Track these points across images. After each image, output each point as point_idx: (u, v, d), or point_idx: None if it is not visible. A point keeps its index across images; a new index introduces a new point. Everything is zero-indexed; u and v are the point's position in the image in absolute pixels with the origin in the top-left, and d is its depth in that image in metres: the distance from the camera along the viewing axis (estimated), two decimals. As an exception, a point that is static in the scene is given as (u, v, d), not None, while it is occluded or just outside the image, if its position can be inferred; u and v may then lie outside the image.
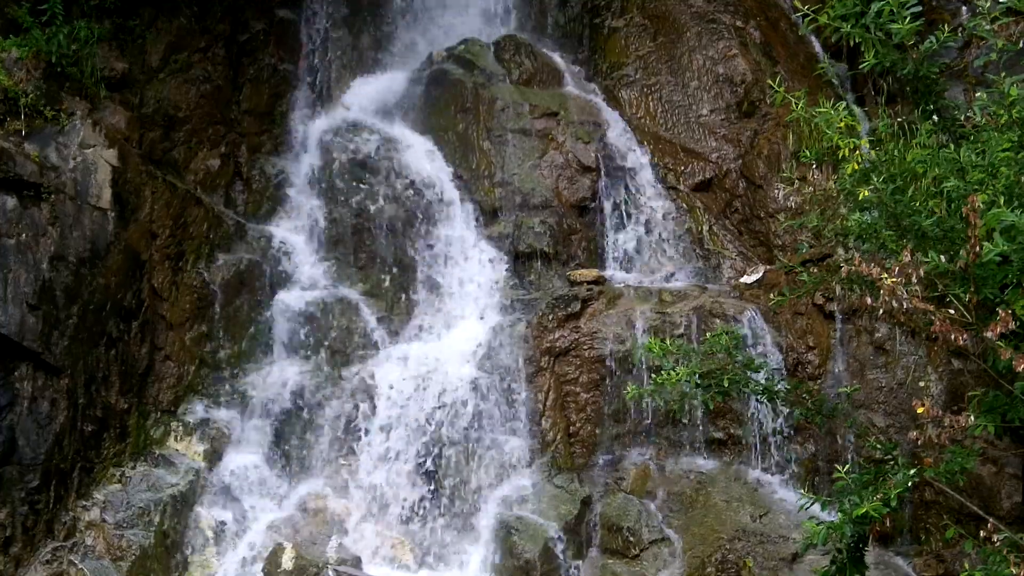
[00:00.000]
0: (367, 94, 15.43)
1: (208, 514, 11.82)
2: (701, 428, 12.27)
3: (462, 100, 14.77)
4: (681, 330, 12.32)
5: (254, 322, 13.03)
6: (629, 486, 12.08)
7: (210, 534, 11.71)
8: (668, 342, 9.55)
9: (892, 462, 8.54)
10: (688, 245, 14.18)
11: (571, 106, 14.89)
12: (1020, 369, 7.22)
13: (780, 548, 11.29)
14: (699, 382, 9.19)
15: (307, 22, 15.38)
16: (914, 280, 7.53)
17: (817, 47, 15.48)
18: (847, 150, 8.78)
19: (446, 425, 12.25)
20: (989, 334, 7.28)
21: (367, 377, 12.72)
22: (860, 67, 9.37)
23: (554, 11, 16.46)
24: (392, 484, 12.08)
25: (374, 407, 12.45)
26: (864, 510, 7.71)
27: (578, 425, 12.46)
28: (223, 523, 11.80)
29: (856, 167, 8.79)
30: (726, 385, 9.18)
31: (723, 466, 12.21)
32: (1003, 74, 8.45)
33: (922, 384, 11.80)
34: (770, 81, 10.66)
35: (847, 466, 8.62)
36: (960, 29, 10.45)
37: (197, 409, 12.44)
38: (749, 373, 9.48)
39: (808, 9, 9.41)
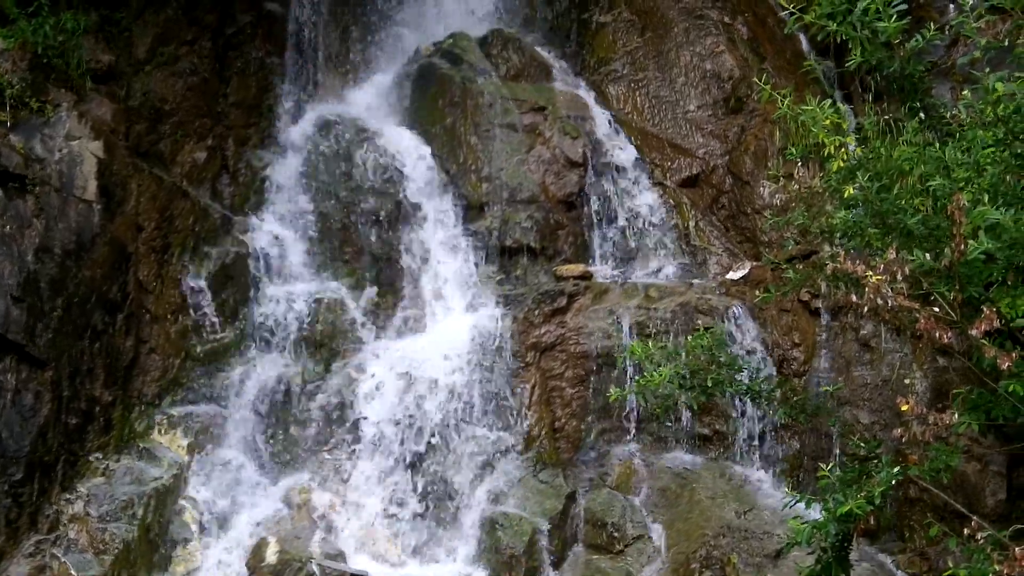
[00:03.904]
0: (355, 88, 15.46)
1: (192, 508, 11.79)
2: (686, 424, 12.27)
3: (449, 95, 14.72)
4: (667, 326, 12.32)
5: (239, 316, 13.02)
6: (614, 482, 12.08)
7: (194, 528, 11.68)
8: (652, 342, 9.54)
9: (876, 460, 8.55)
10: (674, 241, 14.17)
11: (559, 101, 14.86)
12: (1004, 367, 7.24)
13: (765, 544, 11.29)
14: (682, 383, 9.18)
15: (294, 15, 15.32)
16: (899, 278, 7.54)
17: (804, 44, 15.47)
18: (833, 147, 8.78)
19: (431, 420, 12.23)
20: (974, 332, 7.29)
21: (352, 371, 12.70)
22: (847, 65, 9.35)
23: (542, 6, 16.41)
24: (377, 478, 12.06)
25: (359, 401, 12.43)
26: (848, 508, 7.71)
27: (563, 420, 12.45)
28: (207, 517, 11.77)
29: (842, 164, 8.80)
30: (709, 385, 9.19)
31: (708, 462, 12.22)
32: (987, 71, 8.45)
33: (907, 381, 11.80)
34: (756, 79, 10.64)
35: (831, 464, 8.62)
36: (947, 27, 10.45)
37: (181, 402, 12.43)
38: (732, 373, 9.50)
39: (794, 7, 9.39)
